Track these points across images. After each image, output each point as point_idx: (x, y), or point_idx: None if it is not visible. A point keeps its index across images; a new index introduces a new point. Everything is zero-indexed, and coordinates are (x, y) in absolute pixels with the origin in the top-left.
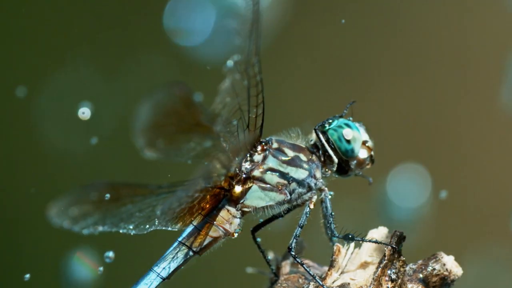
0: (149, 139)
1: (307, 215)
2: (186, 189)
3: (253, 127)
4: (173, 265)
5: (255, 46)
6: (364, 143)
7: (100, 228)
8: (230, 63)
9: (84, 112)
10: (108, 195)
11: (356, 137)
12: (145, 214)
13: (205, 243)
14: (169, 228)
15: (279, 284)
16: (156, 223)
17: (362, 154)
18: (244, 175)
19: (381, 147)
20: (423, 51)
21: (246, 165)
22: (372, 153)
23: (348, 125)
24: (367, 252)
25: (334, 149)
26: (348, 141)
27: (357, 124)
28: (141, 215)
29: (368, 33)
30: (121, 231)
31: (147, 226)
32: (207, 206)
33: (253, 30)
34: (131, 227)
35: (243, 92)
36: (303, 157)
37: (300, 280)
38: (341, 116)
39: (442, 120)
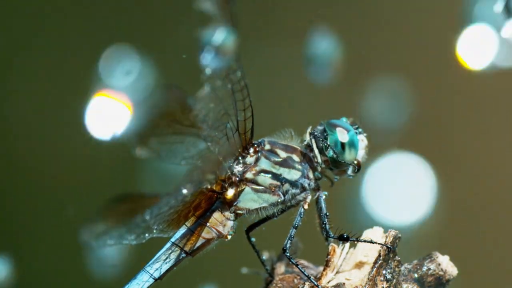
0: (141, 139)
1: (302, 216)
2: (174, 194)
3: (243, 130)
4: (166, 266)
5: (235, 52)
6: (356, 159)
7: (109, 242)
8: (208, 70)
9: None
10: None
11: (352, 157)
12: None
13: (198, 244)
14: (166, 235)
15: (274, 285)
16: (154, 231)
17: (348, 169)
18: (236, 178)
19: (377, 143)
20: (421, 48)
21: (239, 168)
22: (357, 170)
23: (353, 144)
24: (362, 252)
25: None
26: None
27: (359, 137)
28: (143, 224)
29: (361, 32)
30: (124, 242)
31: (146, 234)
32: (201, 208)
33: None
34: (132, 237)
35: (227, 97)
36: (296, 157)
37: (295, 280)
38: (354, 124)
39: (441, 119)
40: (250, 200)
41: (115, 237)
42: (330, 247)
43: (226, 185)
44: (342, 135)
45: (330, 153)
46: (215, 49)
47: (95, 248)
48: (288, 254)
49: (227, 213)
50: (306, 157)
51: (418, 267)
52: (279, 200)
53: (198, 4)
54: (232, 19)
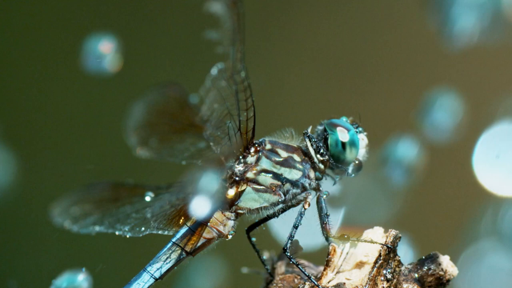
0: (141, 138)
1: (302, 216)
2: (176, 192)
3: (245, 130)
4: (167, 266)
5: (240, 53)
6: (356, 159)
7: (97, 229)
8: (214, 70)
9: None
10: (108, 195)
11: (353, 156)
12: (141, 216)
13: (199, 244)
14: (165, 233)
15: (274, 284)
16: (151, 226)
17: (348, 169)
18: (237, 178)
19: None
20: (420, 49)
21: (240, 167)
22: (358, 169)
23: (354, 143)
24: (363, 252)
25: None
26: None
27: (360, 136)
28: (137, 216)
29: (358, 30)
30: (117, 232)
31: (143, 228)
32: None
33: (236, 38)
34: (126, 228)
35: (231, 97)
36: (296, 157)
37: (296, 280)
38: (354, 124)
39: None
40: (251, 200)
41: (102, 223)
42: (330, 247)
43: (227, 185)
44: (342, 135)
45: (324, 153)
46: None
47: (72, 229)
48: (288, 254)
49: (227, 213)
50: (307, 156)
51: (419, 267)
52: (279, 200)
53: (207, 6)
54: (240, 20)
